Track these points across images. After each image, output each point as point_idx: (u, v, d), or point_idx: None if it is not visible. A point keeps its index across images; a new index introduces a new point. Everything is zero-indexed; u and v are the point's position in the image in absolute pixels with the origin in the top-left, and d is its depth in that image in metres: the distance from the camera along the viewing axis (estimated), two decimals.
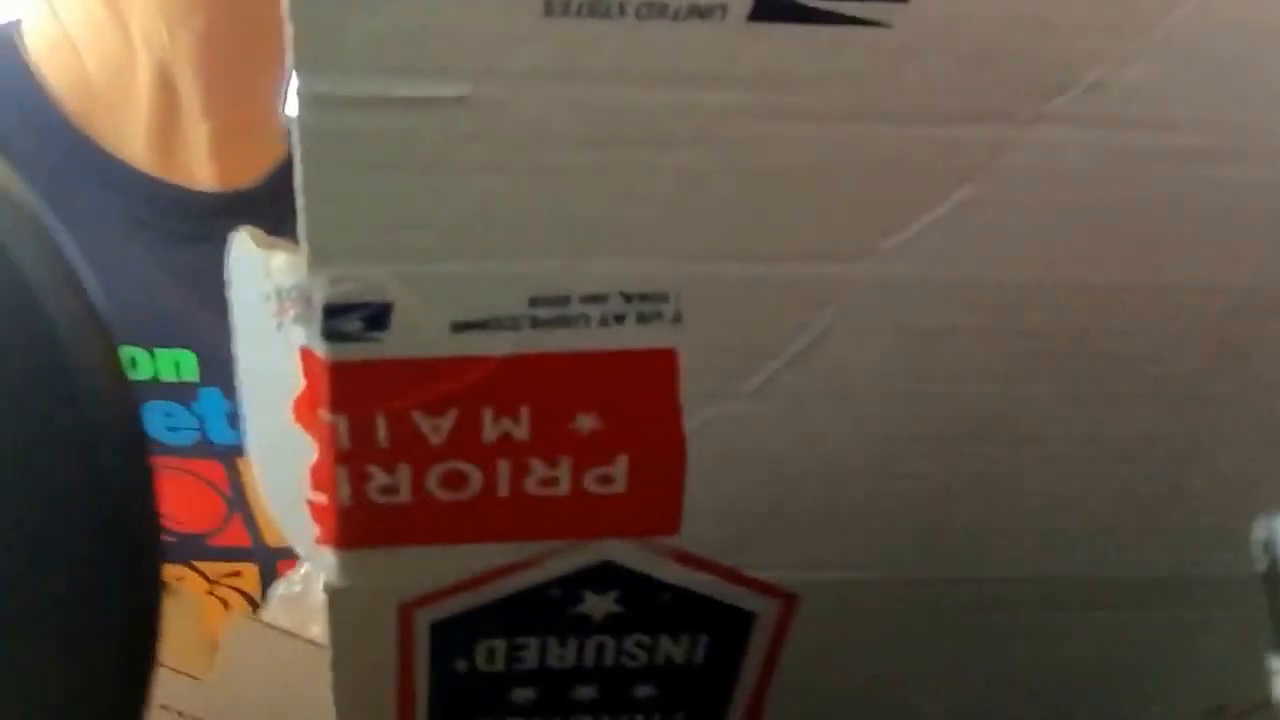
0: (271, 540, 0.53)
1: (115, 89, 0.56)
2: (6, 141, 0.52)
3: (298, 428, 0.26)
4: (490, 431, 0.26)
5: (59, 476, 0.20)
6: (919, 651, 0.34)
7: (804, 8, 0.23)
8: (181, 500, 0.52)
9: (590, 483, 0.27)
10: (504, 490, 0.27)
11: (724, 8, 0.22)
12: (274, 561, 0.52)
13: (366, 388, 0.25)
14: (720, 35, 0.23)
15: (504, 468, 0.27)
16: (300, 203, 0.23)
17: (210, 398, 0.54)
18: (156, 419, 0.52)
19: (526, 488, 0.27)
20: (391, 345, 0.24)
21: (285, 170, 0.63)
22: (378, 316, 0.24)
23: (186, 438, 0.53)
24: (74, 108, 0.56)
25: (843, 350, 0.27)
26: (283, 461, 0.27)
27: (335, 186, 0.23)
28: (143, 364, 0.53)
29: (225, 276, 0.26)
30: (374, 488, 0.26)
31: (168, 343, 0.54)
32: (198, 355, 0.54)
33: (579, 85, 0.23)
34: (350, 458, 0.26)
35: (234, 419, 0.53)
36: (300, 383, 0.25)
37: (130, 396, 0.21)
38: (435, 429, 0.26)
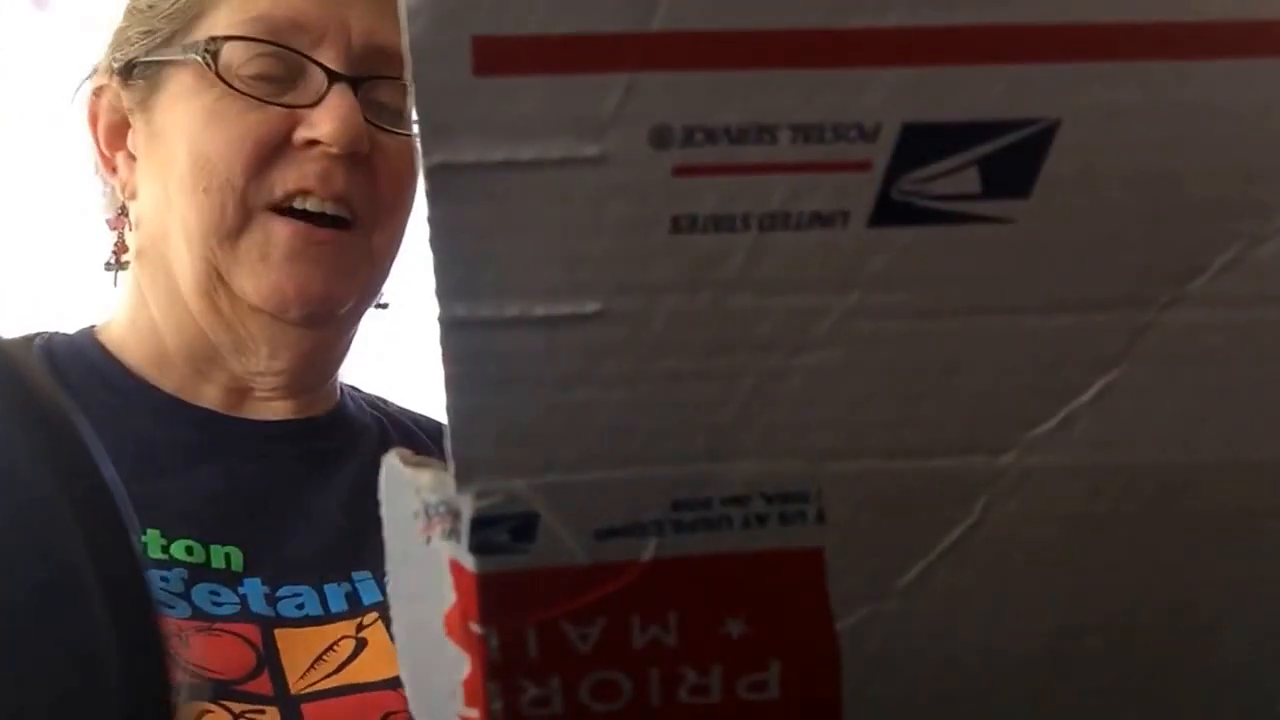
0: (294, 689, 0.60)
1: (194, 365, 0.70)
2: (90, 407, 0.65)
3: (449, 643, 0.26)
4: (639, 639, 0.26)
5: None
6: None
7: (923, 209, 0.23)
8: (218, 652, 0.60)
9: (743, 690, 0.27)
10: (656, 699, 0.27)
11: (845, 215, 0.23)
12: (296, 705, 0.59)
13: (516, 599, 0.25)
14: (843, 240, 0.23)
15: (655, 676, 0.27)
16: (447, 421, 0.24)
17: (252, 584, 0.63)
18: (204, 595, 0.62)
19: (679, 697, 0.27)
20: (538, 555, 0.25)
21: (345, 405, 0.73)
22: (524, 528, 0.25)
23: (229, 610, 0.62)
24: (154, 376, 0.70)
25: (997, 543, 0.27)
26: (432, 678, 0.27)
27: (479, 404, 0.24)
28: (197, 552, 0.64)
29: (379, 496, 0.27)
30: (526, 701, 0.26)
31: (221, 540, 0.65)
32: (244, 551, 0.65)
33: (708, 295, 0.23)
34: (502, 671, 0.26)
35: (270, 598, 0.63)
36: (450, 598, 0.26)
37: None
38: (584, 638, 0.26)
